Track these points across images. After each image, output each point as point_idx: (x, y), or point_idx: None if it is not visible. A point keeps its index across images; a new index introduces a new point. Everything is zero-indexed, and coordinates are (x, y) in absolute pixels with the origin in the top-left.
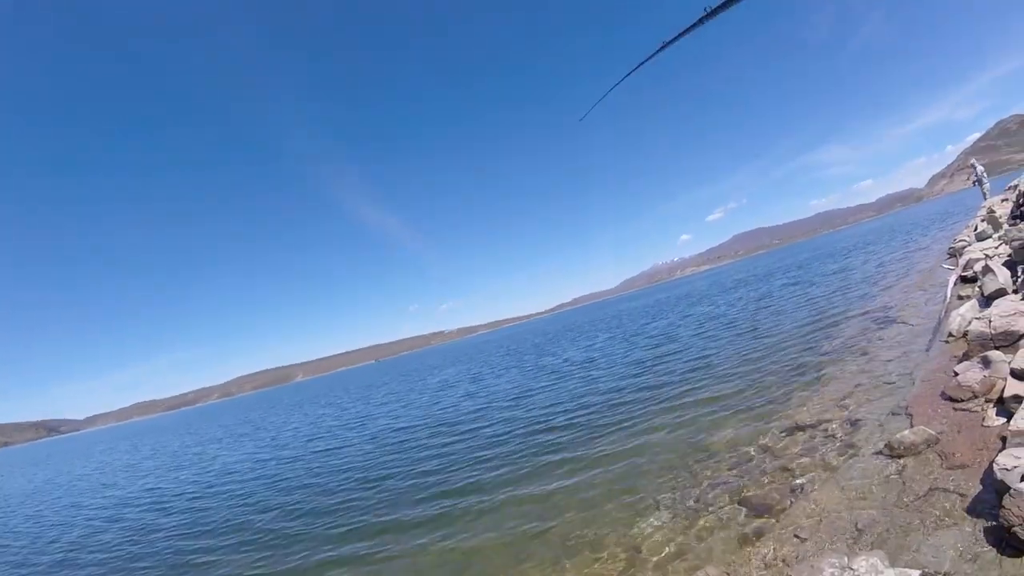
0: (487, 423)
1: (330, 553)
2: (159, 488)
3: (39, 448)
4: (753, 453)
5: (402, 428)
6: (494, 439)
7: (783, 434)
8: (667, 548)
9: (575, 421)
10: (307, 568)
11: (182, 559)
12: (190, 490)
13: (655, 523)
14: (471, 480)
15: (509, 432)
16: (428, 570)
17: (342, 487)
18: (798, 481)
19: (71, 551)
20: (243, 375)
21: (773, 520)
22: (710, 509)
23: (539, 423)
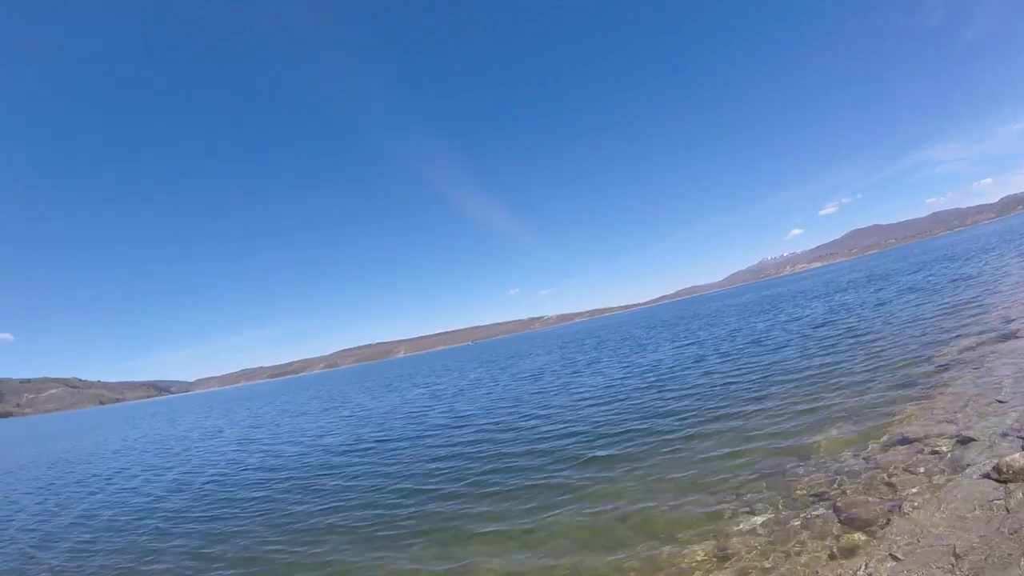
0: (583, 410)
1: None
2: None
3: (147, 405)
4: (854, 463)
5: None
6: (590, 425)
7: (887, 446)
8: (754, 554)
9: (672, 417)
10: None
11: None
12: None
13: (745, 527)
14: (574, 464)
15: (597, 422)
16: (513, 544)
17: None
18: (898, 497)
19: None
20: (346, 348)
21: (868, 536)
22: (803, 518)
23: (631, 415)
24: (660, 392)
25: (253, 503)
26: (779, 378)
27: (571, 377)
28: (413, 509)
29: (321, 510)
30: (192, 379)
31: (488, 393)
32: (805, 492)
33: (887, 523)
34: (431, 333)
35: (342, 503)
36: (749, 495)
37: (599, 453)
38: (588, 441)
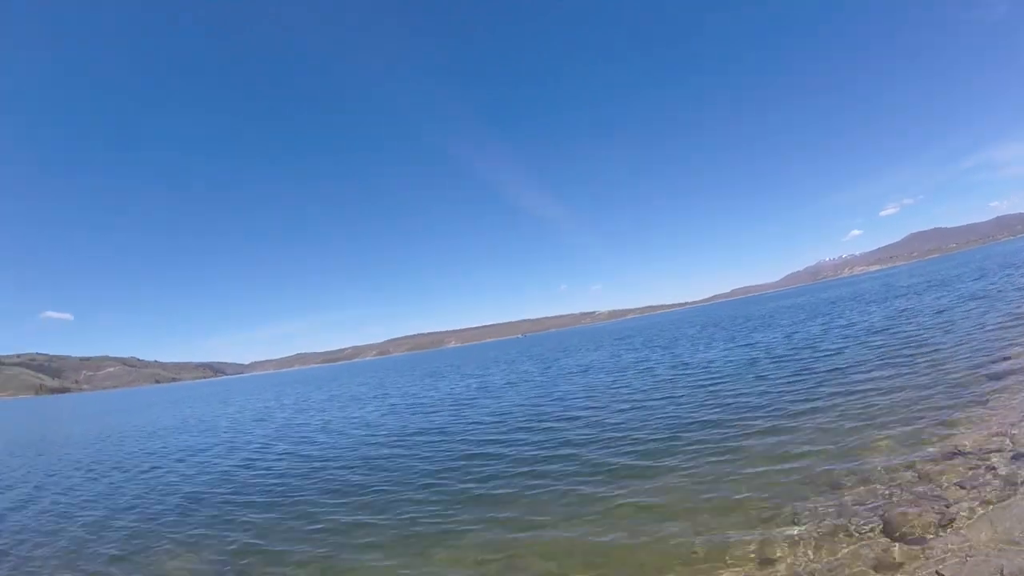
0: (629, 411)
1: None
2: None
3: (202, 385)
4: (905, 475)
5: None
6: (637, 424)
7: (940, 459)
8: (799, 561)
9: (721, 420)
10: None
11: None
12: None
13: (790, 533)
14: (618, 463)
15: (643, 420)
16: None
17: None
18: (948, 513)
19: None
20: (398, 337)
21: (916, 550)
22: (850, 528)
23: (679, 416)
24: (711, 394)
25: (286, 486)
26: (833, 385)
27: (619, 375)
28: (437, 506)
29: (355, 500)
30: (247, 361)
31: (534, 387)
32: (853, 502)
33: (935, 538)
34: (482, 325)
35: (379, 493)
36: (796, 502)
37: (646, 449)
38: (632, 441)
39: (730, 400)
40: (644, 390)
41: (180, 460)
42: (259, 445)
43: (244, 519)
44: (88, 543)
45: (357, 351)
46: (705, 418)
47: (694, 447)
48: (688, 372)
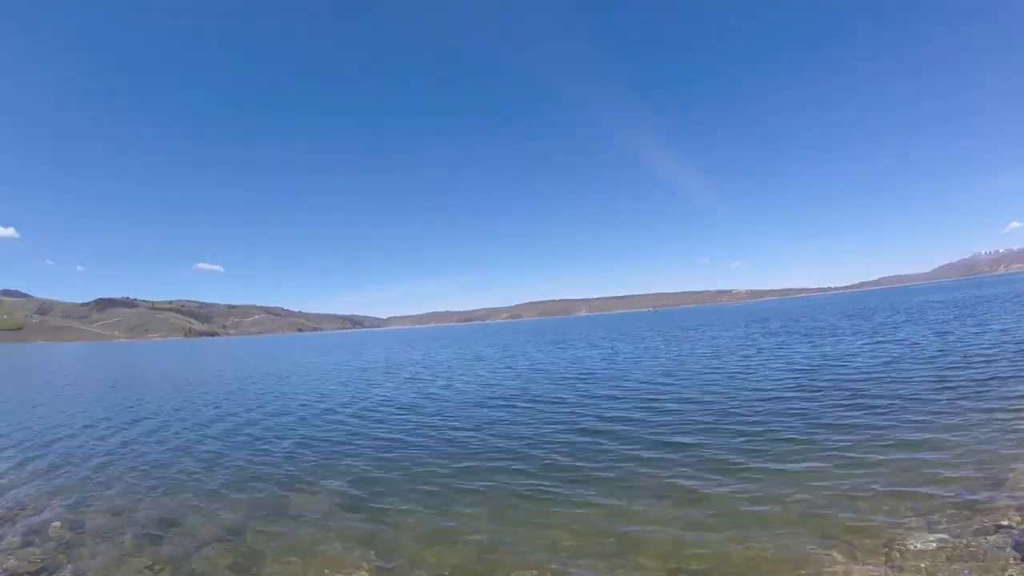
0: (761, 403)
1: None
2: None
3: (340, 336)
4: None
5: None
6: (772, 413)
7: None
8: (923, 574)
9: (859, 422)
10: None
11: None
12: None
13: (919, 545)
14: (736, 457)
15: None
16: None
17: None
18: None
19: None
20: (530, 301)
21: None
22: (979, 545)
23: (817, 410)
24: (849, 393)
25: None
26: (979, 394)
27: (751, 361)
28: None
29: (459, 466)
30: (385, 316)
31: (659, 365)
32: (986, 520)
33: None
34: (614, 295)
35: (483, 458)
36: (928, 514)
37: (771, 448)
38: (757, 437)
39: (868, 402)
40: (777, 380)
41: (303, 404)
42: (382, 397)
43: (350, 466)
44: (196, 475)
45: (489, 312)
46: (839, 420)
47: (824, 451)
48: (827, 365)
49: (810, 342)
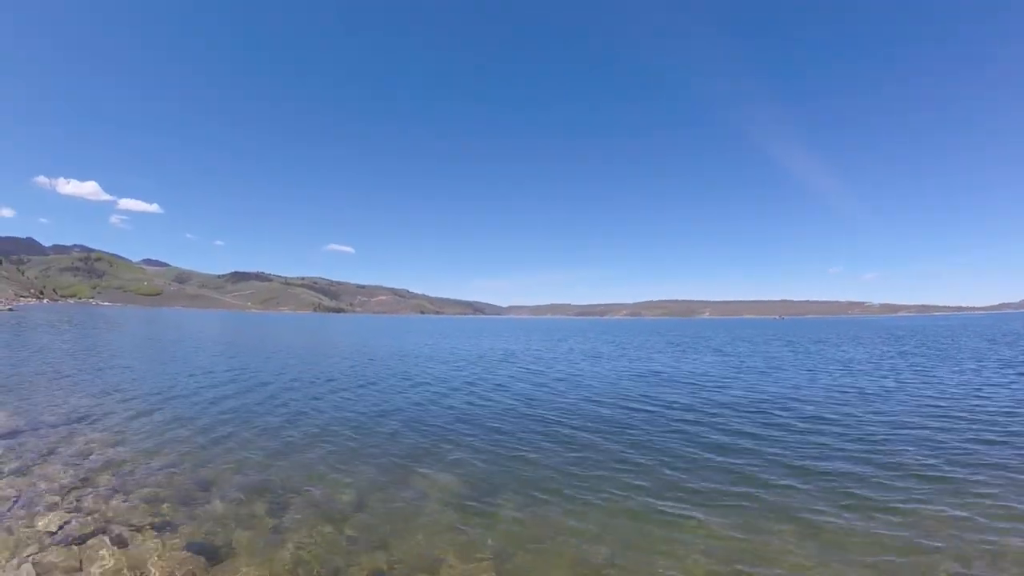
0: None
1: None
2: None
3: (459, 320)
4: None
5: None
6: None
7: None
8: None
9: (1000, 461)
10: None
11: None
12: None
13: None
14: (867, 492)
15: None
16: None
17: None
18: None
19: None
20: (652, 300)
21: None
22: None
23: (957, 449)
24: (988, 425)
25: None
26: None
27: (886, 381)
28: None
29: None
30: (505, 305)
31: (789, 377)
32: None
33: None
34: (739, 300)
35: (582, 456)
36: None
37: (902, 484)
38: (887, 467)
39: (1009, 441)
40: (913, 406)
41: (414, 385)
42: (493, 385)
43: (458, 455)
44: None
45: (609, 308)
46: (979, 459)
47: (963, 491)
48: (969, 393)
49: (951, 365)
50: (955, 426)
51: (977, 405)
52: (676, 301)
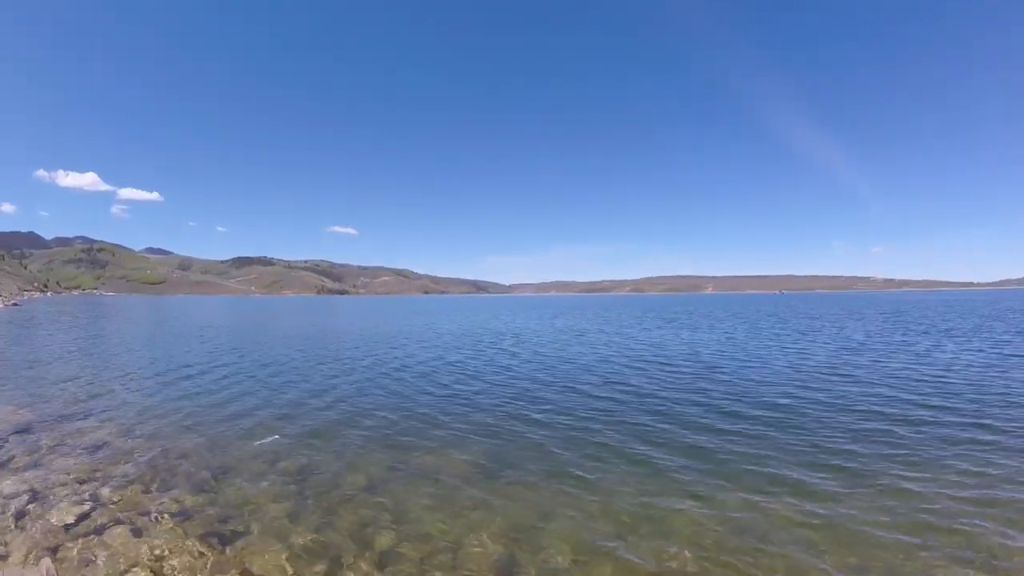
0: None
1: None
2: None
3: (463, 300)
4: None
5: None
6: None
7: None
8: None
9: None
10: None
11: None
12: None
13: None
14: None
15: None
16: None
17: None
18: None
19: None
20: (655, 276)
21: None
22: None
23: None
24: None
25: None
26: None
27: (907, 356)
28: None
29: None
30: (508, 283)
31: (795, 355)
32: None
33: None
34: (742, 275)
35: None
36: None
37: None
38: (890, 443)
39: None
40: (917, 389)
41: (404, 367)
42: (481, 363)
43: (473, 429)
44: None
45: (613, 285)
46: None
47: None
48: (975, 372)
49: (959, 341)
50: (955, 406)
51: (983, 385)
52: (680, 277)
